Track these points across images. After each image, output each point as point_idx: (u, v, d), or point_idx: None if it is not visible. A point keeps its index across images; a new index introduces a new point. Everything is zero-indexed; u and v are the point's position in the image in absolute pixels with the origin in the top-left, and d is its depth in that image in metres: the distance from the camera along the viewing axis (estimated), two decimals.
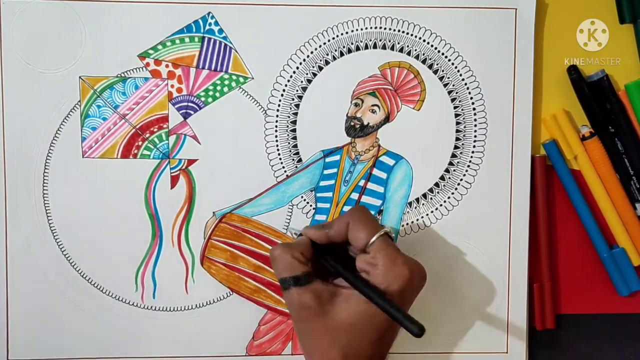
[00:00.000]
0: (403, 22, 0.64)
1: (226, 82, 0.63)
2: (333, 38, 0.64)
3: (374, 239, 0.55)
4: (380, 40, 0.64)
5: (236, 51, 0.63)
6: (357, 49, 0.64)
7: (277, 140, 0.64)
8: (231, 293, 0.65)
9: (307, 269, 0.56)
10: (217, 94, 0.63)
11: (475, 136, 0.65)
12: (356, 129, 0.64)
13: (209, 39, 0.63)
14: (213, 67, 0.63)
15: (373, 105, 0.64)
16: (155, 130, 0.63)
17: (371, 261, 0.55)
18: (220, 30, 0.63)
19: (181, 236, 0.64)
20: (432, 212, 0.65)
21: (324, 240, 0.58)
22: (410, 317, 0.53)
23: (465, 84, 0.65)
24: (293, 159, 0.65)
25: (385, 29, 0.64)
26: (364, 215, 0.57)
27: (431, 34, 0.64)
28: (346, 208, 0.65)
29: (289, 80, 0.64)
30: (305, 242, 0.58)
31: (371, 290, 0.54)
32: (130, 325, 0.64)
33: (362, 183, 0.65)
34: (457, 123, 0.65)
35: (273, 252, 0.57)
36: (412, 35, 0.64)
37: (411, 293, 0.57)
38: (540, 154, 0.66)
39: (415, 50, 0.64)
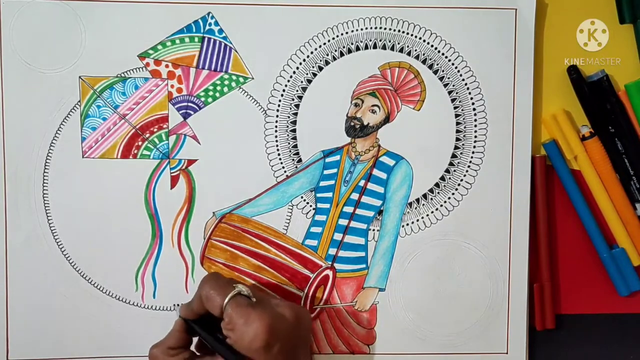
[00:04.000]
0: (403, 22, 0.64)
1: (226, 82, 0.63)
2: (333, 38, 0.64)
3: (225, 303, 0.56)
4: (380, 41, 0.64)
5: (236, 51, 0.63)
6: (357, 49, 0.64)
7: (277, 140, 0.64)
8: None
9: (182, 356, 0.58)
10: (217, 94, 0.63)
11: (475, 136, 0.65)
12: (356, 129, 0.64)
13: (209, 39, 0.63)
14: (213, 67, 0.63)
15: (373, 106, 0.64)
16: (155, 130, 0.63)
17: (228, 326, 0.55)
18: (220, 30, 0.63)
19: (181, 236, 0.64)
20: (432, 212, 0.65)
21: (193, 316, 0.58)
22: None
23: (465, 84, 0.65)
24: (293, 159, 0.65)
25: (385, 29, 0.64)
26: (213, 281, 0.57)
27: (431, 34, 0.64)
28: (346, 208, 0.65)
29: (289, 80, 0.64)
30: (174, 329, 0.59)
31: (229, 353, 0.56)
32: (131, 325, 0.64)
33: (362, 183, 0.65)
34: (457, 123, 0.65)
35: (150, 356, 0.59)
36: (412, 35, 0.64)
37: (289, 339, 0.56)
38: (540, 154, 0.66)
39: (415, 50, 0.64)
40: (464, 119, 0.65)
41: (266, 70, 0.63)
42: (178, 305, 0.63)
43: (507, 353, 0.66)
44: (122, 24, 0.62)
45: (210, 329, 0.58)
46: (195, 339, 0.60)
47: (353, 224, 0.65)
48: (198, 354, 0.60)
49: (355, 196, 0.65)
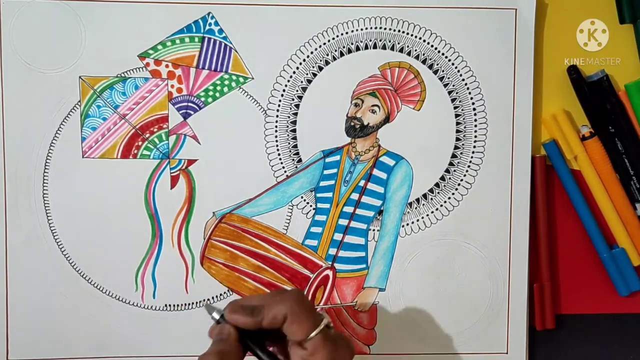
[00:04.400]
0: (403, 22, 0.64)
1: (226, 82, 0.63)
2: (333, 38, 0.64)
3: (313, 334, 0.49)
4: (380, 40, 0.64)
5: (236, 51, 0.63)
6: (357, 49, 0.64)
7: (277, 140, 0.64)
8: (231, 293, 0.65)
9: None
10: (217, 94, 0.63)
11: (475, 136, 0.65)
12: (356, 129, 0.64)
13: (209, 39, 0.63)
14: (213, 67, 0.63)
15: (373, 106, 0.64)
16: (155, 130, 0.63)
17: (309, 358, 0.49)
18: (220, 30, 0.63)
19: (181, 236, 0.64)
20: (432, 212, 0.65)
21: (253, 328, 0.50)
22: None
23: (465, 84, 0.65)
24: (293, 159, 0.65)
25: (385, 29, 0.64)
26: (303, 305, 0.50)
27: (431, 34, 0.64)
28: (346, 208, 0.65)
29: (289, 81, 0.64)
30: (229, 342, 0.50)
31: None
32: (130, 325, 0.64)
33: (362, 183, 0.65)
34: (457, 123, 0.65)
35: None
36: (412, 35, 0.64)
37: None
38: (540, 154, 0.66)
39: (415, 50, 0.64)
40: (464, 119, 0.65)
41: (266, 70, 0.63)
42: (209, 304, 0.55)
43: (507, 353, 0.66)
44: (122, 24, 0.62)
45: (257, 341, 0.51)
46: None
47: (353, 224, 0.65)
48: None
49: (355, 196, 0.65)
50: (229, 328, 0.50)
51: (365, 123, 0.64)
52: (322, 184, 0.65)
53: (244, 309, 0.50)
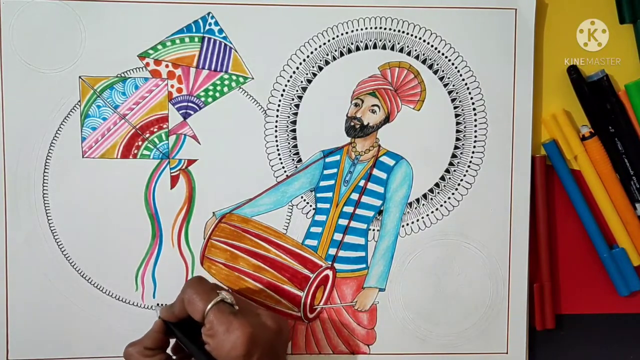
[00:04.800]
0: (403, 22, 0.64)
1: (226, 82, 0.63)
2: (333, 38, 0.64)
3: (207, 309, 0.55)
4: (380, 40, 0.64)
5: (236, 51, 0.63)
6: (357, 49, 0.64)
7: (277, 140, 0.64)
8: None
9: (157, 358, 0.57)
10: (217, 94, 0.63)
11: (475, 136, 0.65)
12: (356, 129, 0.64)
13: (209, 39, 0.63)
14: (213, 67, 0.63)
15: (373, 106, 0.64)
16: (155, 130, 0.63)
17: (208, 333, 0.55)
18: (220, 30, 0.63)
19: (181, 236, 0.64)
20: (432, 212, 0.65)
21: (174, 319, 0.58)
22: None
23: (465, 84, 0.65)
24: (293, 159, 0.65)
25: (385, 29, 0.64)
26: (197, 286, 0.57)
27: (431, 34, 0.64)
28: (346, 208, 0.65)
29: (289, 81, 0.64)
30: (153, 330, 0.58)
31: (205, 358, 0.55)
32: (131, 325, 0.64)
33: (362, 183, 0.65)
34: (457, 123, 0.65)
35: (125, 354, 0.58)
36: (412, 35, 0.64)
37: (268, 349, 0.56)
38: (540, 154, 0.66)
39: (415, 50, 0.64)
40: (464, 119, 0.65)
41: (266, 70, 0.63)
42: (159, 305, 0.63)
43: (507, 353, 0.66)
44: (122, 24, 0.62)
45: (190, 333, 0.57)
46: (172, 341, 0.59)
47: (353, 224, 0.65)
48: (174, 357, 0.59)
49: (355, 196, 0.65)
50: (159, 321, 0.58)
51: (365, 123, 0.64)
52: (322, 184, 0.65)
53: (166, 307, 0.58)
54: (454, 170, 0.65)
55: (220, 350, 0.54)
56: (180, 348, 0.60)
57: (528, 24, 0.64)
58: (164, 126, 0.63)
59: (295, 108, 0.64)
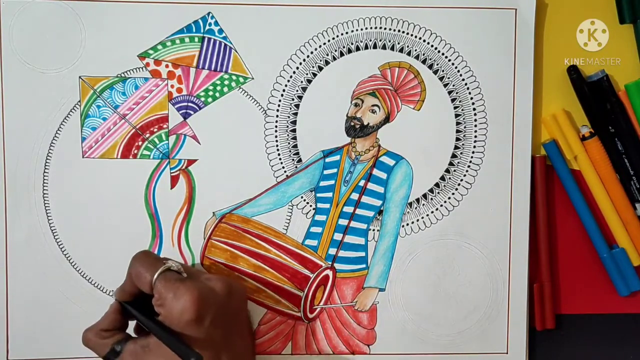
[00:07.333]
0: (403, 22, 0.64)
1: (226, 82, 0.63)
2: (333, 38, 0.64)
3: (154, 279, 0.55)
4: (380, 40, 0.64)
5: (236, 51, 0.63)
6: (357, 49, 0.64)
7: (277, 140, 0.64)
8: None
9: (115, 338, 0.57)
10: (217, 94, 0.63)
11: (475, 136, 0.65)
12: (356, 129, 0.64)
13: (209, 39, 0.63)
14: (213, 67, 0.63)
15: (373, 106, 0.64)
16: (155, 130, 0.63)
17: (158, 302, 0.55)
18: (220, 30, 0.63)
19: (181, 236, 0.64)
20: (432, 212, 0.65)
21: (127, 297, 0.58)
22: (187, 350, 0.53)
23: (465, 84, 0.65)
24: (293, 159, 0.65)
25: (385, 29, 0.64)
26: (143, 259, 0.57)
27: (431, 34, 0.64)
28: (346, 208, 0.65)
29: (289, 80, 0.64)
30: (108, 312, 0.58)
31: (161, 331, 0.54)
32: (131, 324, 0.64)
33: (362, 183, 0.65)
34: (457, 123, 0.65)
35: (83, 339, 0.58)
36: (412, 35, 0.64)
37: (220, 311, 0.56)
38: (540, 154, 0.66)
39: (415, 50, 0.64)
40: (464, 119, 0.65)
41: (266, 70, 0.64)
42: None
43: (507, 353, 0.66)
44: (122, 24, 0.62)
45: (146, 309, 0.57)
46: (134, 323, 0.60)
47: (353, 224, 0.65)
48: (135, 336, 0.59)
49: (355, 196, 0.65)
50: (114, 302, 0.58)
51: (365, 123, 0.64)
52: (322, 184, 0.65)
53: (120, 286, 0.58)
54: (454, 170, 0.65)
55: (171, 317, 0.54)
56: (141, 327, 0.59)
57: (528, 24, 0.64)
58: (164, 126, 0.64)
59: (295, 108, 0.64)
